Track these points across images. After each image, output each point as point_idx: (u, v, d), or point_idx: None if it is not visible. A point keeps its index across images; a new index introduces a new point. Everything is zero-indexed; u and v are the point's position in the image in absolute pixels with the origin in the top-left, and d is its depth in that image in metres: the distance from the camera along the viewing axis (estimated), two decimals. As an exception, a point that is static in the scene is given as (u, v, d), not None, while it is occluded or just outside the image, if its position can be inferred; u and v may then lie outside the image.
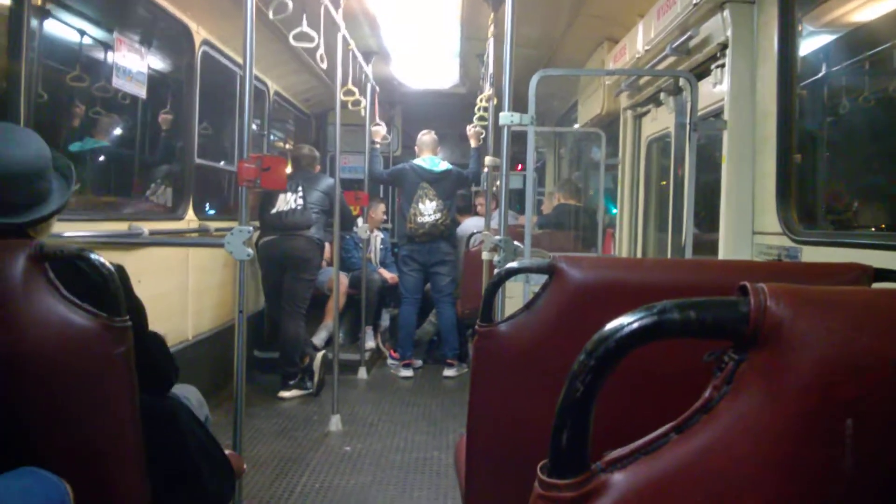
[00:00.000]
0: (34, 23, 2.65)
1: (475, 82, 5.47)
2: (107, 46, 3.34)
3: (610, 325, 0.57)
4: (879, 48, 2.35)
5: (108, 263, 1.34)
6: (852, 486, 0.55)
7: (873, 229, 2.36)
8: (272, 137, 5.85)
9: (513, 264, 1.56)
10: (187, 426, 1.62)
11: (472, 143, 5.15)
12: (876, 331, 0.55)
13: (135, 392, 1.40)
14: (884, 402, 0.55)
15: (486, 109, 4.25)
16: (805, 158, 2.40)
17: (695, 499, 0.56)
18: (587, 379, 0.56)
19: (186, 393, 1.98)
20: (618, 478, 0.57)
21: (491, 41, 3.92)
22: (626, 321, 0.57)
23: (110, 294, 1.34)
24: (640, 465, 0.57)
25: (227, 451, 1.81)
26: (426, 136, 5.28)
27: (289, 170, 4.83)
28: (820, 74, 2.48)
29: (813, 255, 2.11)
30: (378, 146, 5.30)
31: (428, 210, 5.05)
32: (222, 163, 4.82)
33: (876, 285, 1.30)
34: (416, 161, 5.22)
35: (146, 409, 1.46)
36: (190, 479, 1.61)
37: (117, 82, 3.25)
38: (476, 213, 5.98)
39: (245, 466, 2.09)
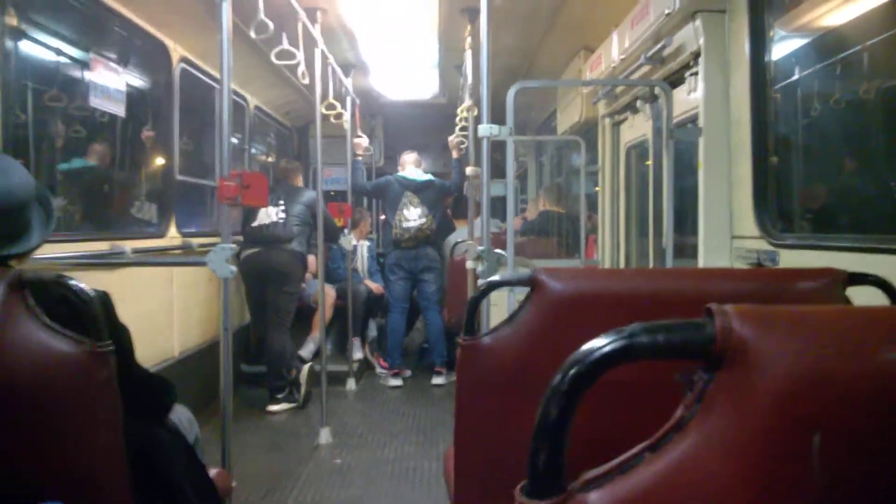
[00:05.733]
0: (9, 43, 2.64)
1: (455, 92, 5.51)
2: (83, 66, 3.33)
3: (582, 349, 0.59)
4: (849, 51, 2.39)
5: (86, 289, 1.33)
6: (821, 500, 0.57)
7: (849, 232, 2.39)
8: (254, 151, 5.84)
9: (494, 278, 1.57)
10: (175, 454, 1.62)
11: (454, 154, 5.24)
12: (839, 349, 0.57)
13: (119, 418, 1.40)
14: (848, 418, 0.57)
15: (466, 119, 4.27)
16: (780, 162, 2.44)
17: (669, 516, 0.58)
18: (561, 402, 0.58)
19: (177, 412, 1.98)
20: (594, 497, 0.58)
21: (469, 52, 3.95)
22: (596, 345, 0.58)
23: (91, 319, 1.33)
24: (615, 485, 0.58)
25: (215, 470, 1.81)
26: (409, 155, 5.41)
27: (271, 183, 4.84)
28: (792, 79, 2.52)
29: (790, 258, 2.15)
30: (360, 158, 5.34)
31: (413, 216, 5.14)
32: (203, 178, 4.80)
33: (850, 289, 1.33)
34: (400, 173, 5.34)
35: (135, 436, 1.45)
36: None
37: (94, 101, 3.24)
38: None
39: (234, 484, 2.09)
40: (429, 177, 5.34)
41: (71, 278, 1.35)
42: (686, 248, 2.96)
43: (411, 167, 5.34)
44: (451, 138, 5.19)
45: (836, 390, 0.56)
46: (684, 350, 0.58)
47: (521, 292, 1.51)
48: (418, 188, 5.21)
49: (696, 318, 0.58)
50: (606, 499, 0.58)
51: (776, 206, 2.35)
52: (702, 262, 2.53)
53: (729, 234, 2.48)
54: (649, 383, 0.99)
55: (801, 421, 0.56)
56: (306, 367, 4.60)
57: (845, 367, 0.57)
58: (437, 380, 5.20)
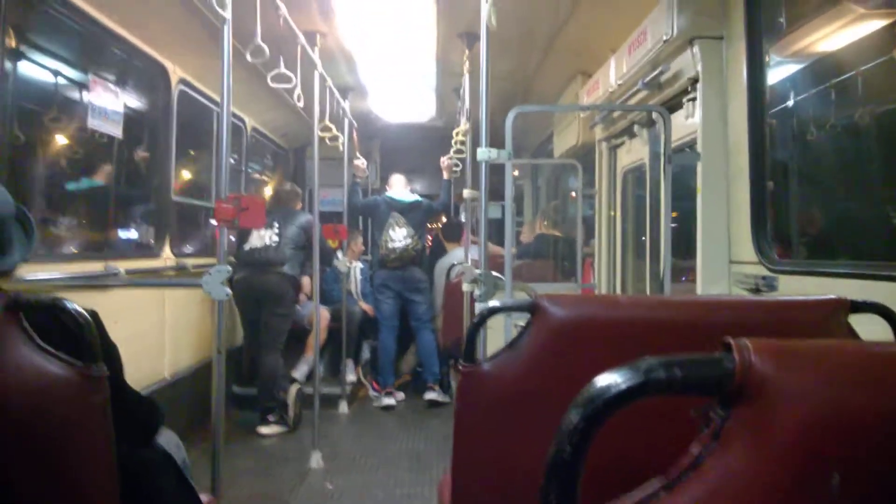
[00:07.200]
0: (7, 65, 2.64)
1: (452, 116, 5.54)
2: (82, 87, 3.33)
3: (597, 385, 0.57)
4: (844, 76, 2.41)
5: (83, 311, 1.31)
6: (841, 540, 0.55)
7: (847, 258, 2.39)
8: (249, 171, 5.84)
9: (495, 303, 1.56)
10: (165, 476, 1.59)
11: (445, 175, 5.34)
12: (859, 385, 0.56)
13: (111, 441, 1.37)
14: (868, 456, 0.55)
15: (462, 143, 4.29)
16: (778, 187, 2.45)
17: (685, 558, 0.56)
18: (574, 439, 0.56)
19: (164, 436, 1.94)
20: (609, 540, 0.56)
21: (466, 76, 3.98)
22: (612, 381, 0.57)
23: (86, 342, 1.31)
24: (630, 526, 0.57)
25: (205, 496, 1.78)
26: (397, 177, 5.56)
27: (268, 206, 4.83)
28: (789, 104, 2.54)
29: (789, 284, 2.14)
30: (359, 180, 5.40)
31: (398, 237, 5.23)
32: (199, 199, 4.79)
33: (853, 317, 1.32)
34: (388, 194, 5.46)
35: (126, 459, 1.42)
36: None
37: (93, 122, 3.23)
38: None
39: (224, 512, 2.05)
40: (416, 198, 5.46)
41: (67, 301, 1.33)
42: (684, 271, 2.95)
43: (399, 188, 5.47)
44: (443, 159, 5.28)
45: (858, 428, 0.55)
46: (702, 386, 0.56)
47: (519, 317, 1.49)
48: (405, 209, 5.32)
49: (713, 353, 0.57)
50: (622, 541, 0.56)
51: (775, 231, 2.35)
52: (700, 288, 2.52)
53: (727, 260, 2.47)
54: (661, 409, 0.97)
55: (821, 460, 0.55)
56: (294, 388, 4.56)
57: (867, 405, 0.55)
58: (430, 395, 5.16)
